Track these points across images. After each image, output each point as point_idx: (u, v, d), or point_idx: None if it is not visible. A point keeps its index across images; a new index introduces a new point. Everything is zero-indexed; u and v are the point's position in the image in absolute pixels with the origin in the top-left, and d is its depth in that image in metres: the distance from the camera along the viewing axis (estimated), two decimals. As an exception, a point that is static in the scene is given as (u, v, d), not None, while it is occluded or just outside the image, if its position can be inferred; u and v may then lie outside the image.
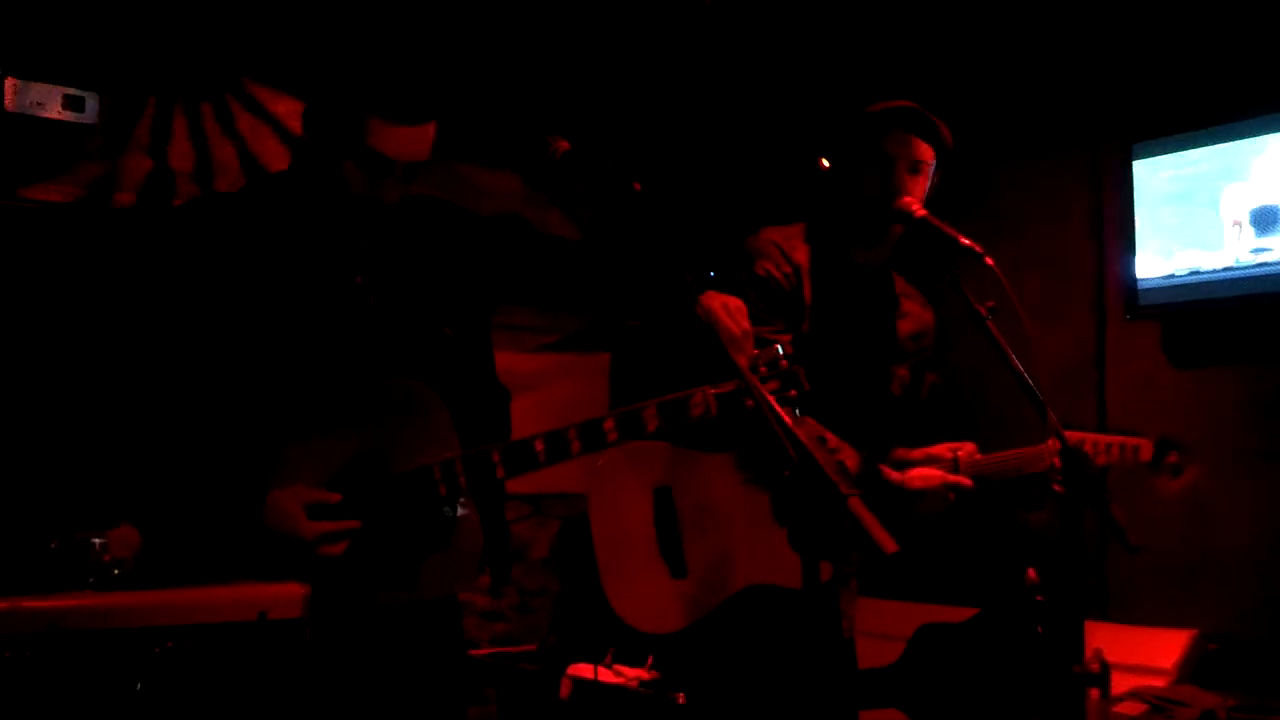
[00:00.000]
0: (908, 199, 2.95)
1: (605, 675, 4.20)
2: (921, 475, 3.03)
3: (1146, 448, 3.10)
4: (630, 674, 4.17)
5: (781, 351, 2.55)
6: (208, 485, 2.36)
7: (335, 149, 2.42)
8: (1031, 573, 3.02)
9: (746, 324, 2.52)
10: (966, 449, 3.07)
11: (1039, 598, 3.11)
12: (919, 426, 3.22)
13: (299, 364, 2.42)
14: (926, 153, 3.02)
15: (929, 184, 3.05)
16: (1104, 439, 3.06)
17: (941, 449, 3.09)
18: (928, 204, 3.00)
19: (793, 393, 2.54)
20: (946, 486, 3.00)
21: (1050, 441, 2.90)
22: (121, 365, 2.46)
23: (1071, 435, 2.88)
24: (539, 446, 2.43)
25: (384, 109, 2.38)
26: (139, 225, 4.68)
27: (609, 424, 2.45)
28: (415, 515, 2.43)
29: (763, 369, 2.54)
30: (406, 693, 2.53)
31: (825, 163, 3.25)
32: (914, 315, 3.23)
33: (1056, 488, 2.66)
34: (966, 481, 3.01)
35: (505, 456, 2.43)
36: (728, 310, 2.51)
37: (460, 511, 2.47)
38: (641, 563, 2.95)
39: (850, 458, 2.96)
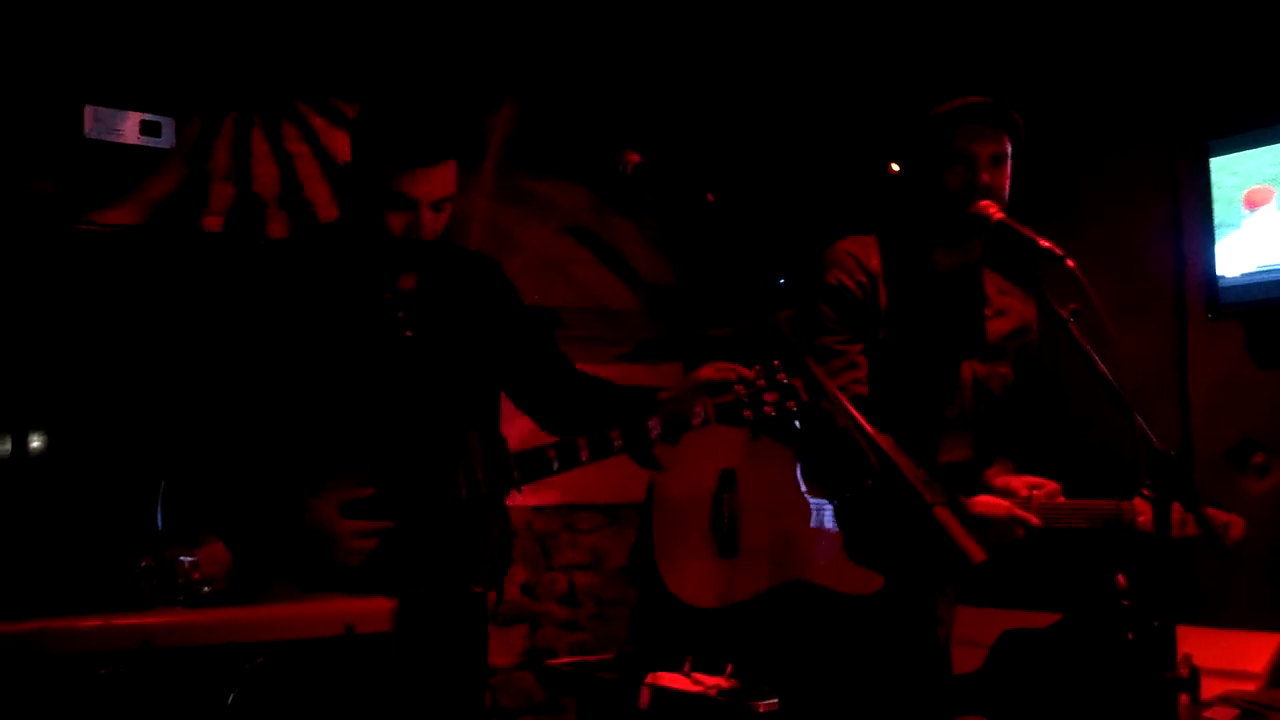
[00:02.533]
0: (984, 202, 2.92)
1: (684, 684, 4.19)
2: (987, 503, 2.97)
3: (1238, 525, 3.03)
4: (709, 682, 4.16)
5: (778, 365, 2.69)
6: (263, 500, 2.59)
7: (370, 196, 2.64)
8: (1121, 578, 2.98)
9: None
10: (1047, 489, 3.01)
11: (1125, 603, 3.06)
12: (1004, 431, 3.18)
13: (343, 398, 2.66)
14: (1004, 143, 2.99)
15: (1009, 174, 3.02)
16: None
17: (1020, 483, 3.04)
18: (1009, 197, 2.97)
19: (790, 405, 2.67)
20: (1013, 520, 2.93)
21: (1135, 501, 2.88)
22: (189, 391, 2.75)
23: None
24: (550, 454, 2.64)
25: (397, 157, 2.58)
26: (207, 255, 4.79)
27: (615, 433, 2.65)
28: (441, 515, 2.64)
29: (760, 383, 2.69)
30: (428, 688, 2.62)
31: (895, 167, 3.23)
32: (1014, 311, 3.17)
33: (1146, 491, 2.61)
34: (1034, 520, 2.94)
35: (521, 463, 2.64)
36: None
37: (481, 515, 2.72)
38: (693, 537, 3.12)
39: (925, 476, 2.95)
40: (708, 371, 2.74)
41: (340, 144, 5.10)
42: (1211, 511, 2.94)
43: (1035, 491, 3.01)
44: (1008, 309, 3.15)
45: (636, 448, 2.69)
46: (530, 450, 2.65)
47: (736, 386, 2.70)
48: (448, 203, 2.68)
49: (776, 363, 2.67)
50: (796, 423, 2.72)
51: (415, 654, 2.54)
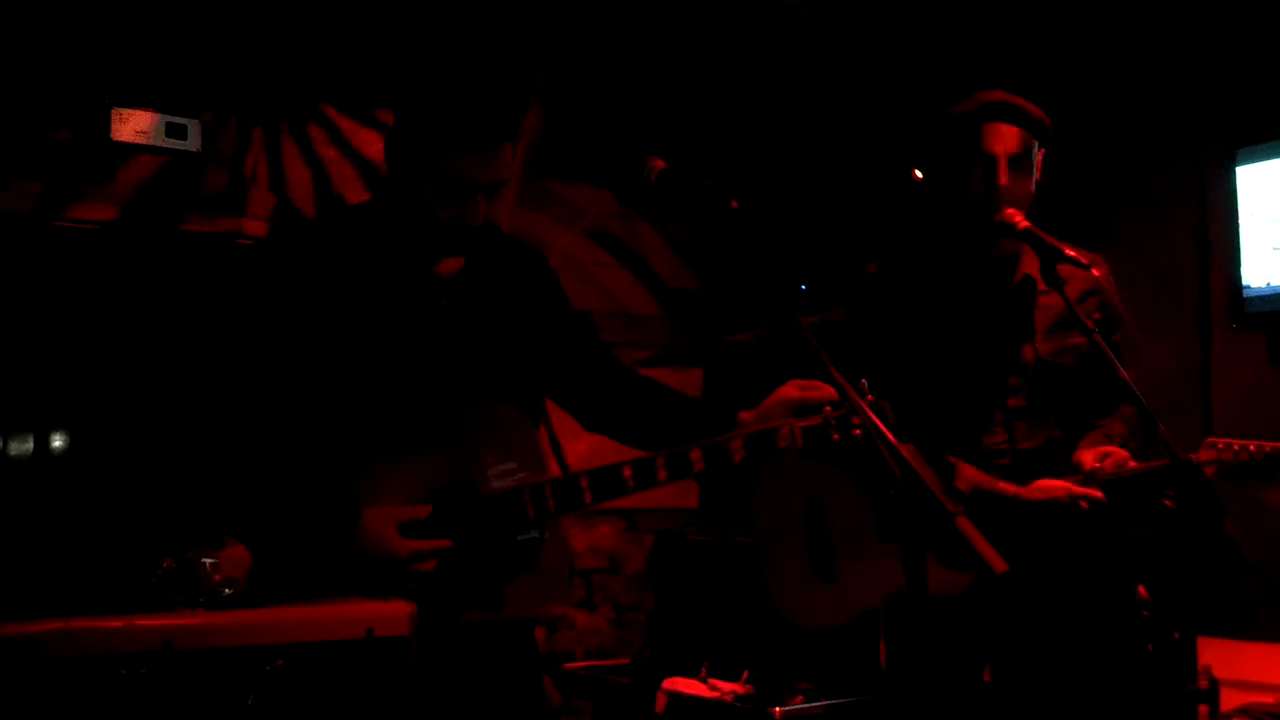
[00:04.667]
0: (1010, 210, 2.90)
1: (700, 689, 4.19)
2: (1043, 487, 2.94)
3: (1266, 448, 2.96)
4: (725, 688, 4.15)
5: (866, 385, 2.52)
6: (306, 504, 2.42)
7: (417, 177, 2.48)
8: (1142, 589, 2.96)
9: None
10: (1116, 458, 2.91)
11: (1146, 614, 3.04)
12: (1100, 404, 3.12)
13: (387, 387, 2.49)
14: (1025, 140, 2.95)
15: (1036, 168, 2.99)
16: (1238, 441, 2.92)
17: (1090, 456, 2.94)
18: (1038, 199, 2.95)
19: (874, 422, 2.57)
20: (1073, 498, 2.89)
21: (1202, 451, 2.83)
22: (222, 388, 2.55)
23: (1221, 441, 2.81)
24: (626, 473, 2.48)
25: (455, 138, 2.43)
26: (231, 253, 4.79)
27: (696, 454, 2.49)
28: (504, 537, 2.48)
29: (831, 412, 2.58)
30: (486, 713, 2.57)
31: (919, 174, 3.21)
32: (1075, 279, 2.97)
33: (1168, 503, 2.60)
34: (1096, 493, 2.88)
35: (593, 482, 2.47)
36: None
37: (548, 533, 2.51)
38: (796, 566, 3.20)
39: (971, 474, 2.94)
40: (791, 391, 2.60)
41: (369, 142, 5.14)
42: (1235, 440, 2.90)
43: (1105, 462, 2.92)
44: (1068, 277, 2.93)
45: (716, 470, 2.52)
46: (604, 468, 2.49)
47: (826, 408, 2.57)
48: (503, 186, 2.53)
49: (864, 381, 2.51)
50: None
51: (469, 691, 2.50)
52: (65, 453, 4.40)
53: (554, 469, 2.55)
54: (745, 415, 2.60)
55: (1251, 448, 2.85)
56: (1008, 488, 2.93)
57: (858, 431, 2.54)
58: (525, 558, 2.49)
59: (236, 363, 2.54)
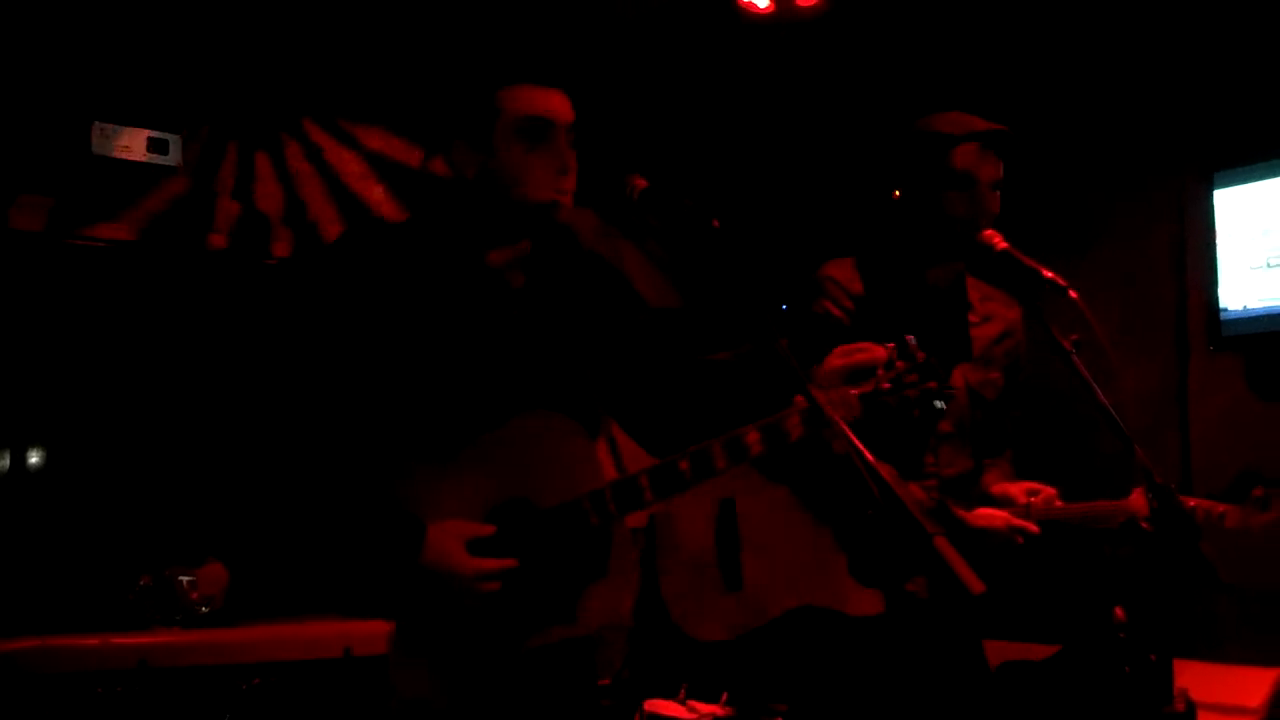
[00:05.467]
0: (989, 232, 2.93)
1: (679, 711, 4.18)
2: (985, 515, 2.98)
3: (1233, 514, 3.03)
4: (704, 710, 4.15)
5: (914, 342, 2.48)
6: (366, 518, 2.28)
7: (494, 141, 2.38)
8: (1119, 611, 2.97)
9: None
10: (1045, 494, 3.00)
11: (1122, 635, 3.05)
12: (1004, 439, 3.18)
13: (443, 392, 2.38)
14: (1001, 169, 3.00)
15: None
16: (1190, 501, 2.99)
17: (1018, 490, 3.03)
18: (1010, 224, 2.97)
19: (932, 384, 2.48)
20: (1012, 530, 2.94)
21: (1132, 498, 2.88)
22: (277, 397, 2.38)
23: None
24: (683, 465, 2.37)
25: (525, 72, 2.37)
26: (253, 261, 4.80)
27: (753, 436, 2.39)
28: (569, 547, 2.37)
29: (900, 364, 2.48)
30: None
31: (897, 193, 3.23)
32: (998, 317, 3.15)
33: (1144, 525, 2.61)
34: (1033, 528, 2.94)
35: (653, 480, 2.38)
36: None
37: (614, 538, 2.42)
38: (698, 570, 3.03)
39: (917, 495, 2.95)
40: (836, 361, 2.51)
41: (345, 161, 5.15)
42: (1206, 503, 2.95)
43: (1033, 498, 3.00)
44: (992, 315, 3.16)
45: (775, 452, 2.40)
46: (662, 464, 2.38)
47: (878, 370, 2.47)
48: (573, 135, 2.41)
49: (910, 339, 2.47)
50: (939, 403, 2.50)
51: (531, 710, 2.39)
52: (41, 469, 4.38)
53: (612, 472, 2.44)
54: (799, 398, 2.49)
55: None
56: (958, 511, 2.96)
57: (912, 392, 2.47)
58: (594, 566, 2.39)
59: (281, 376, 2.38)
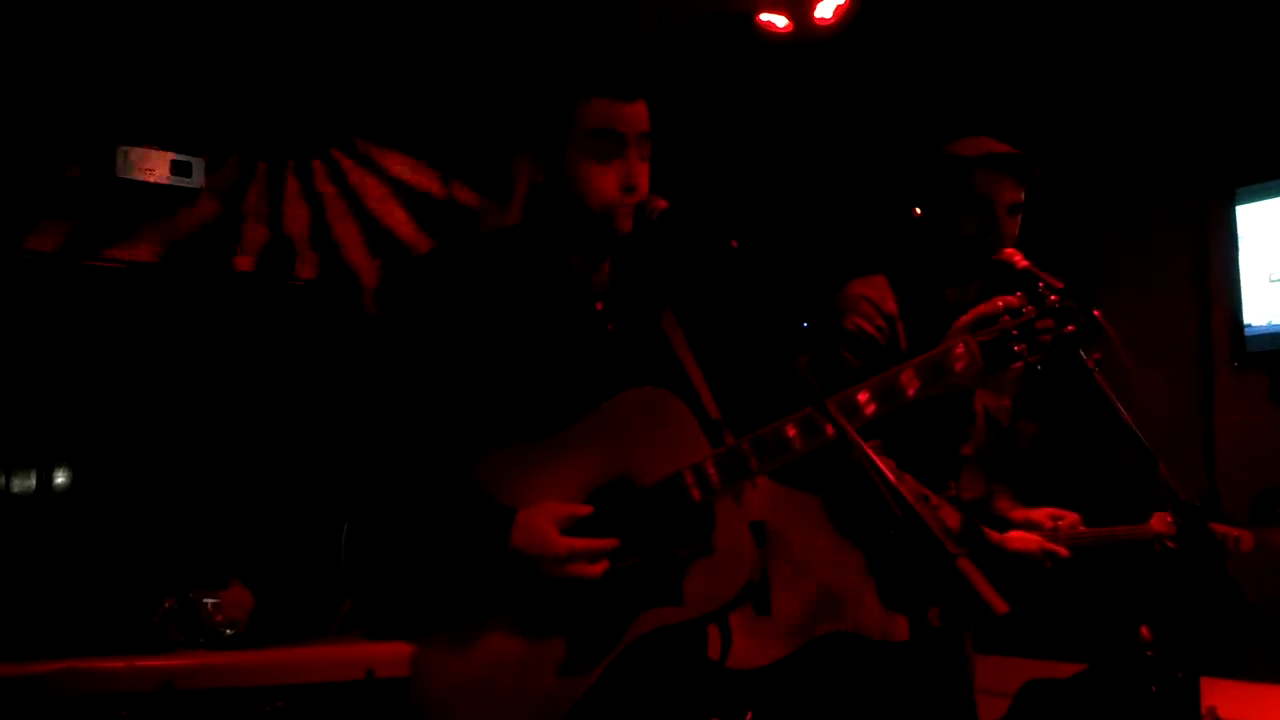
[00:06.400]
0: (1009, 250, 2.92)
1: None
2: (1019, 538, 2.99)
3: (1247, 539, 3.03)
4: (730, 730, 4.13)
5: (1047, 284, 2.31)
6: (458, 511, 2.22)
7: (560, 155, 2.32)
8: (1145, 630, 2.96)
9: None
10: (1069, 519, 3.03)
11: (1149, 654, 3.04)
12: (1020, 470, 3.18)
13: (541, 392, 2.31)
14: (1020, 193, 3.00)
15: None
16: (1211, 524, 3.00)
17: (1042, 515, 3.06)
18: (1040, 240, 2.97)
19: (1070, 328, 2.32)
20: (1045, 554, 2.96)
21: (1153, 521, 2.87)
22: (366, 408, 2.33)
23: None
24: (791, 432, 2.24)
25: (600, 85, 2.30)
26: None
27: (863, 395, 2.25)
28: (672, 527, 2.26)
29: (1028, 309, 2.34)
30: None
31: (919, 211, 3.23)
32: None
33: (1170, 544, 2.60)
34: (1063, 552, 2.96)
35: (757, 447, 2.25)
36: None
37: (719, 512, 2.28)
38: None
39: (951, 516, 2.93)
40: (967, 316, 2.39)
41: (367, 184, 5.19)
42: (1221, 527, 2.95)
43: (1059, 523, 3.03)
44: None
45: (889, 411, 2.24)
46: (768, 431, 2.24)
47: (1003, 318, 2.34)
48: (649, 148, 2.34)
49: (1042, 284, 2.33)
50: (1081, 351, 2.34)
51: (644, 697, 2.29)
52: (66, 490, 4.40)
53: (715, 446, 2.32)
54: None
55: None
56: (991, 534, 2.96)
57: (1046, 337, 2.32)
58: (699, 544, 2.26)
59: (369, 383, 2.34)
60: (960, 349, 2.32)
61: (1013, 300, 2.35)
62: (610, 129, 2.29)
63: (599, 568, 2.18)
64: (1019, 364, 2.33)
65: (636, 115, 2.32)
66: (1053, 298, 2.33)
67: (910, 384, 2.26)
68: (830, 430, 2.19)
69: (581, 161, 2.31)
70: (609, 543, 2.19)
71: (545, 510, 2.19)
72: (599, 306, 2.42)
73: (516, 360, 2.30)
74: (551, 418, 2.29)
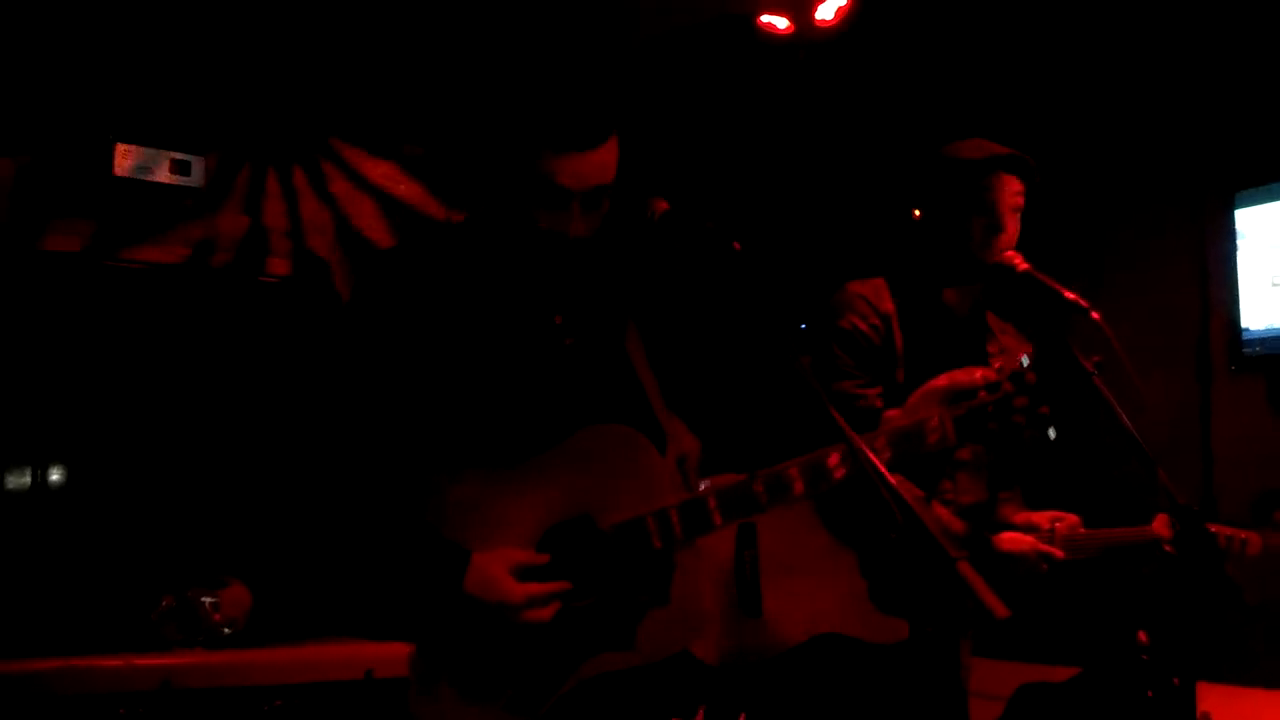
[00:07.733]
0: (1010, 253, 2.92)
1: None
2: (1012, 539, 2.99)
3: (1255, 542, 3.03)
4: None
5: (1026, 364, 2.35)
6: (410, 546, 2.18)
7: (514, 191, 2.24)
8: (1142, 635, 2.97)
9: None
10: (1068, 521, 3.03)
11: (1145, 659, 3.04)
12: (1018, 472, 3.18)
13: (497, 413, 2.25)
14: (1021, 195, 3.01)
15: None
16: (1213, 527, 2.99)
17: (1043, 518, 3.05)
18: (1037, 243, 2.97)
19: (1044, 409, 2.34)
20: (1039, 555, 2.96)
21: (1155, 524, 2.87)
22: (313, 421, 2.27)
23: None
24: (758, 488, 2.25)
25: (553, 140, 2.20)
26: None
27: (834, 459, 2.25)
28: (629, 571, 2.23)
29: (1007, 386, 2.36)
30: None
31: (918, 213, 3.23)
32: (1011, 350, 3.13)
33: (1168, 548, 2.60)
34: (1058, 553, 2.96)
35: (722, 502, 2.25)
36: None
37: (679, 563, 2.27)
38: (715, 595, 3.00)
39: (953, 521, 2.94)
40: (942, 380, 2.41)
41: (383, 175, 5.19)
42: (1228, 529, 2.95)
43: (1057, 525, 3.02)
44: (1008, 348, 3.15)
45: (857, 477, 2.20)
46: (734, 486, 2.24)
47: (980, 393, 2.35)
48: (606, 196, 2.27)
49: (1024, 359, 2.33)
50: (1051, 431, 2.36)
51: None
52: (62, 487, 4.39)
53: (680, 493, 2.31)
54: (892, 413, 2.42)
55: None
56: (988, 535, 2.96)
57: (1019, 418, 2.33)
58: (655, 592, 2.25)
59: (325, 396, 2.27)
60: (935, 421, 2.33)
61: (991, 375, 2.36)
62: (562, 185, 2.21)
63: (550, 610, 2.17)
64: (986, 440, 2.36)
65: (587, 167, 2.22)
66: (1029, 376, 2.34)
67: (882, 451, 2.27)
68: (799, 488, 2.22)
69: (527, 207, 2.23)
70: (561, 586, 2.18)
71: (501, 556, 2.16)
72: (558, 320, 2.35)
73: (472, 373, 2.25)
74: (508, 436, 2.23)
